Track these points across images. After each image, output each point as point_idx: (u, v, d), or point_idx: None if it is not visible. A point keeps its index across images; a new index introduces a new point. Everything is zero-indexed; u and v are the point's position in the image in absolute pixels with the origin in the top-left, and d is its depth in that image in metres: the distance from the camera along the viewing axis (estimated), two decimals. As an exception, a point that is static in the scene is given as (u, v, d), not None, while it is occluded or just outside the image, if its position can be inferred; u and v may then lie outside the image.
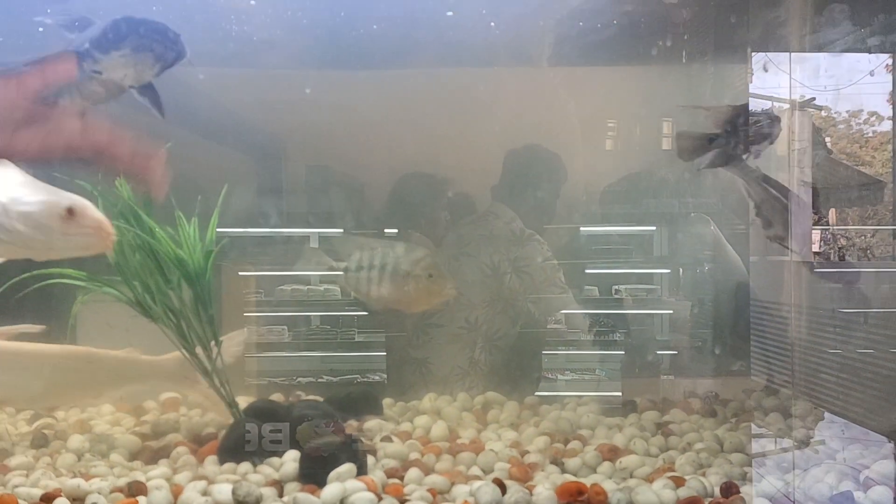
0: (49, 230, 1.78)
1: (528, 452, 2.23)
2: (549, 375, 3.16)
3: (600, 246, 3.28)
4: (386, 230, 3.08)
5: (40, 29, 1.58)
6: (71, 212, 1.80)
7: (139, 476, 2.00)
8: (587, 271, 3.20)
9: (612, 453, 2.21)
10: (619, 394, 2.92)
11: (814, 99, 2.57)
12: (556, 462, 2.16)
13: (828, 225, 2.79)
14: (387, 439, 2.29)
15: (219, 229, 2.30)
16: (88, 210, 1.83)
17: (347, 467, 1.95)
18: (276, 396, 2.71)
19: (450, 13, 2.65)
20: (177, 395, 2.66)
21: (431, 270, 2.46)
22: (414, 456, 2.19)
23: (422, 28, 2.77)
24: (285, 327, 3.32)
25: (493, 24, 2.65)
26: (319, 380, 3.16)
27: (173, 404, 2.64)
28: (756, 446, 2.37)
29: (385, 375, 3.13)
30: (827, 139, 2.80)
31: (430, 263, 2.47)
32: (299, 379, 3.08)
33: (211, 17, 2.47)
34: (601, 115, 3.18)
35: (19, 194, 1.77)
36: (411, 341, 3.06)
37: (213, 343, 2.29)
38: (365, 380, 3.20)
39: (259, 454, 2.10)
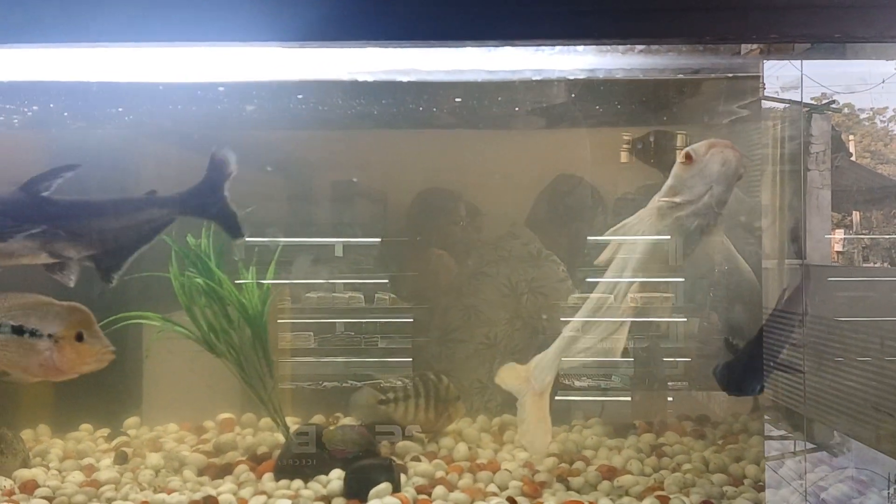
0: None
1: (538, 472, 2.59)
2: (566, 381, 3.44)
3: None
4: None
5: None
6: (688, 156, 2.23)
7: (210, 491, 2.39)
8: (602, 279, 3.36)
9: (610, 473, 2.56)
10: (627, 407, 3.17)
11: (833, 101, 2.79)
12: (562, 481, 2.52)
13: (851, 226, 3.00)
14: (416, 459, 2.66)
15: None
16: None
17: (385, 486, 2.32)
18: (318, 418, 3.08)
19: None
20: (231, 416, 3.05)
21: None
22: (439, 474, 2.55)
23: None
24: (311, 333, 3.63)
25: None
26: (344, 385, 3.46)
27: (229, 424, 3.03)
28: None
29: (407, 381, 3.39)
30: (850, 140, 3.00)
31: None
32: (324, 384, 3.38)
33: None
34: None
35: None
36: (434, 355, 3.36)
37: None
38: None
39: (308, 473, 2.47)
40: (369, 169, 3.31)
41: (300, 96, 2.52)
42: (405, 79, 2.16)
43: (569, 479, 2.53)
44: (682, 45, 2.05)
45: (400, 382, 2.81)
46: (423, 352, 3.28)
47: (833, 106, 2.89)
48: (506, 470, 2.58)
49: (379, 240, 3.32)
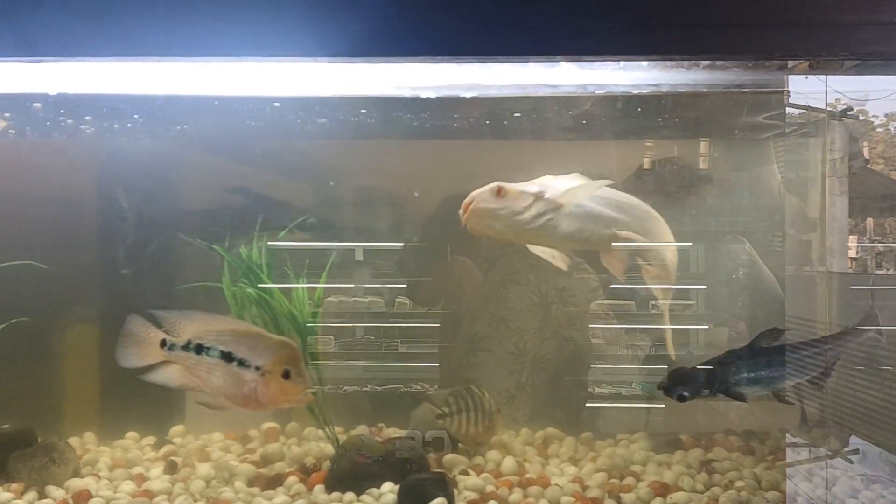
0: None
1: (588, 487, 2.57)
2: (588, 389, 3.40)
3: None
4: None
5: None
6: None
7: (263, 502, 2.39)
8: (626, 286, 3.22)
9: (663, 489, 2.54)
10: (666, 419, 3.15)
11: (850, 108, 2.78)
12: (614, 497, 2.50)
13: (864, 233, 2.99)
14: (464, 473, 2.64)
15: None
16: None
17: (440, 501, 2.31)
18: (361, 428, 3.06)
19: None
20: (275, 426, 3.05)
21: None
22: (490, 489, 2.54)
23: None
24: (332, 337, 3.62)
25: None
26: (364, 388, 3.43)
27: (273, 434, 3.03)
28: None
29: (428, 386, 3.38)
30: (864, 147, 3.00)
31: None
32: (345, 388, 3.37)
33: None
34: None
35: None
36: (460, 362, 3.33)
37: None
38: (408, 389, 3.46)
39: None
40: (401, 176, 3.32)
41: (363, 111, 2.52)
42: (468, 94, 2.16)
43: (620, 494, 2.51)
44: (750, 62, 2.03)
45: (451, 396, 2.80)
46: (448, 359, 3.26)
47: (850, 113, 2.89)
48: (556, 485, 2.56)
49: (401, 245, 3.30)
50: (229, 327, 2.27)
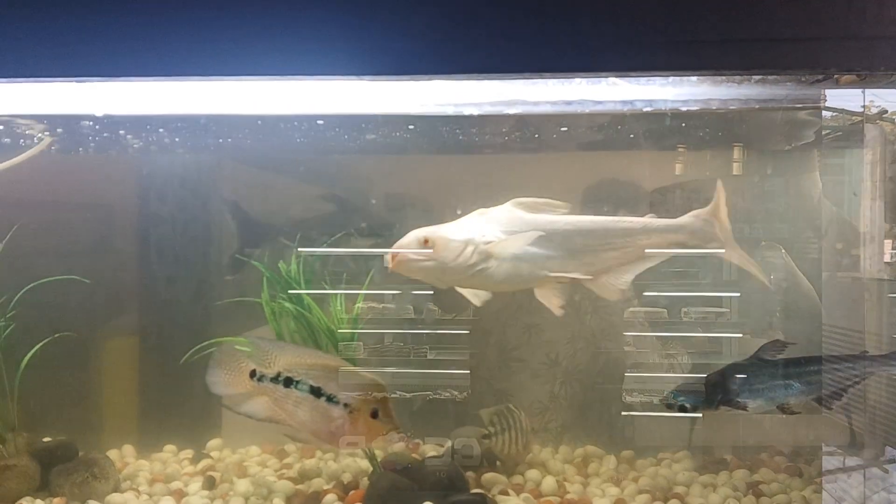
0: None
1: (632, 509, 2.52)
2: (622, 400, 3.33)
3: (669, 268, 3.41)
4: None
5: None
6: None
7: (302, 521, 2.37)
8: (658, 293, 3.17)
9: (709, 512, 2.48)
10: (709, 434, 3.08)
11: (886, 111, 2.75)
12: (659, 519, 2.45)
13: None
14: (504, 493, 2.60)
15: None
16: None
17: (482, 522, 2.27)
18: (398, 446, 3.02)
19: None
20: (312, 441, 3.03)
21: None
22: (531, 509, 2.50)
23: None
24: (361, 343, 3.60)
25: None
26: (393, 395, 3.40)
27: (309, 449, 3.01)
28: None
29: (457, 393, 3.34)
30: None
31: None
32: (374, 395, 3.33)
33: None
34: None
35: None
36: (493, 372, 3.30)
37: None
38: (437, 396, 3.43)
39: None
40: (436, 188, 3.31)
41: (412, 126, 2.51)
42: (511, 110, 2.13)
43: (665, 517, 2.46)
44: (804, 76, 1.98)
45: (495, 416, 2.77)
46: (478, 366, 3.19)
47: (885, 116, 2.83)
48: (598, 506, 2.52)
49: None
50: (320, 361, 2.25)
